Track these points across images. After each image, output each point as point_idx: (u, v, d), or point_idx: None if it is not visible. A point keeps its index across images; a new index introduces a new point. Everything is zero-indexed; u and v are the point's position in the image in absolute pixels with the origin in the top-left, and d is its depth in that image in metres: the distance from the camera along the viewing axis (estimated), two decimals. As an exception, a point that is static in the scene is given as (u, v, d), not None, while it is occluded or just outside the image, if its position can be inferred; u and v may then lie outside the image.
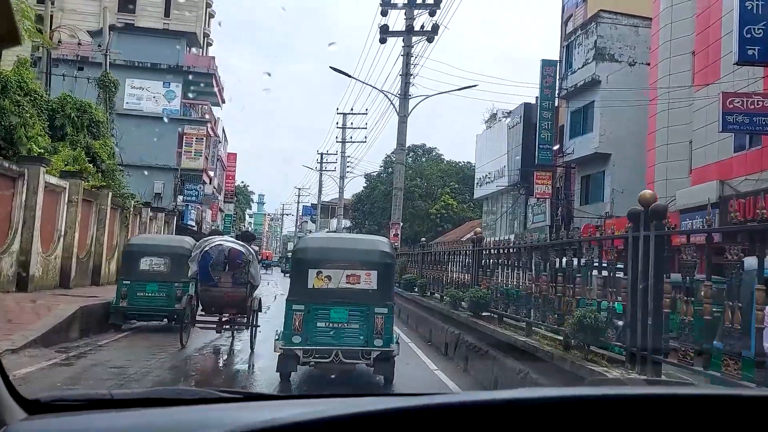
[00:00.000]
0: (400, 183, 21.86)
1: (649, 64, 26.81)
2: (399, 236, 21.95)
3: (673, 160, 22.81)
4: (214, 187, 42.80)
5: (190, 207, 32.92)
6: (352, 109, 39.41)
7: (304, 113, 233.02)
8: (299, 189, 77.94)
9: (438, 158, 63.06)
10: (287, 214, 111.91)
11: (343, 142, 40.09)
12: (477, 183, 41.54)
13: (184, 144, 38.07)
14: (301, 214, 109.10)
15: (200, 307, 11.29)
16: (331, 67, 20.96)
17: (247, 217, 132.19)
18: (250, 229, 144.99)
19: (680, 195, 21.22)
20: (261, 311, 11.35)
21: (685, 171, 22.39)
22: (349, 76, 21.37)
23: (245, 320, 11.02)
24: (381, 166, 64.43)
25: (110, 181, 20.96)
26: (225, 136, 55.45)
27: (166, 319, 13.68)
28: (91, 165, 19.38)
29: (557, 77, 30.85)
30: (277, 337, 8.41)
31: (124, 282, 13.29)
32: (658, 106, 23.69)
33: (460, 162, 66.34)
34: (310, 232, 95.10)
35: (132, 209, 21.74)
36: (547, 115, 30.89)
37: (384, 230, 61.69)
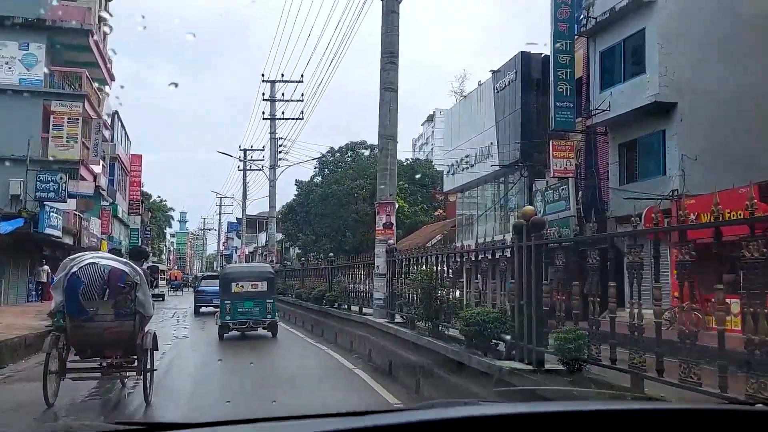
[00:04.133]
0: (393, 128, 11.09)
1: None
2: (394, 226, 11.15)
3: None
4: (102, 188, 30.84)
5: (48, 209, 21.09)
6: (282, 76, 28.42)
7: (229, 128, 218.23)
8: (221, 197, 65.52)
9: (381, 156, 52.53)
10: (209, 230, 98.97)
11: (273, 119, 28.85)
12: (447, 172, 31.25)
13: (51, 126, 26.19)
14: (225, 230, 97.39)
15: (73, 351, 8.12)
16: None
17: (168, 236, 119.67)
18: (171, 248, 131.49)
19: None
20: (157, 350, 8.40)
21: None
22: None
23: (135, 363, 8.04)
24: (316, 167, 53.47)
25: None
26: (125, 131, 43.29)
27: None
28: None
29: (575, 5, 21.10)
30: (216, 319, 16.02)
31: None
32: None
33: (406, 160, 56.21)
34: (236, 248, 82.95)
35: None
36: (564, 60, 21.00)
37: (324, 240, 50.66)
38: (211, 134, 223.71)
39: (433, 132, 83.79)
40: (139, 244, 56.15)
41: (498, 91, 25.40)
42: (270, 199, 29.15)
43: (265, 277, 15.72)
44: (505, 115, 24.70)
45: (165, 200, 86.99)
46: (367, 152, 52.61)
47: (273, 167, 28.93)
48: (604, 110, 19.77)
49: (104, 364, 8.15)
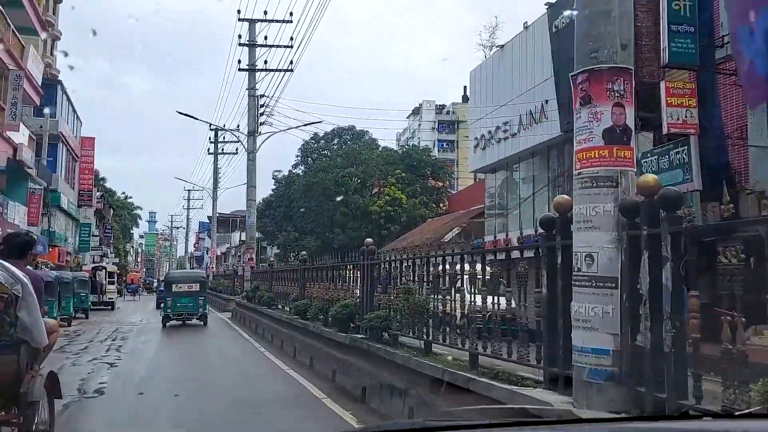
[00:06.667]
0: None
1: None
2: (632, 139, 4.15)
3: None
4: (27, 166, 23.21)
5: None
6: (265, 14, 21.20)
7: (206, 131, 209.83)
8: (189, 190, 57.93)
9: (372, 143, 45.51)
10: (177, 228, 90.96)
11: (251, 69, 21.18)
12: (475, 146, 24.19)
13: (-54, 75, 18.65)
14: (197, 230, 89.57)
15: None
16: None
17: (136, 237, 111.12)
18: (139, 250, 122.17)
19: None
20: (60, 398, 5.52)
21: None
22: None
23: (21, 423, 4.87)
24: (297, 155, 46.25)
25: None
26: (72, 107, 35.47)
27: None
28: None
29: None
30: (160, 311, 21.47)
31: None
32: None
33: (401, 147, 49.33)
34: (208, 249, 75.26)
35: None
36: (682, -35, 14.22)
37: (308, 238, 43.34)
38: (188, 136, 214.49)
39: (419, 125, 77.10)
40: (99, 244, 47.67)
41: (558, 30, 18.54)
42: (248, 176, 21.69)
43: (198, 280, 20.88)
44: (565, 62, 17.81)
45: (131, 197, 78.32)
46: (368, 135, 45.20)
47: (252, 134, 21.41)
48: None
49: None
